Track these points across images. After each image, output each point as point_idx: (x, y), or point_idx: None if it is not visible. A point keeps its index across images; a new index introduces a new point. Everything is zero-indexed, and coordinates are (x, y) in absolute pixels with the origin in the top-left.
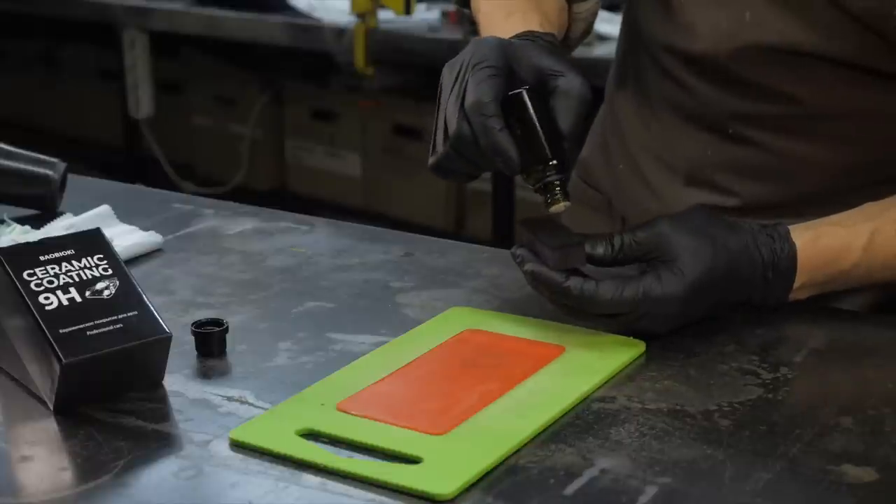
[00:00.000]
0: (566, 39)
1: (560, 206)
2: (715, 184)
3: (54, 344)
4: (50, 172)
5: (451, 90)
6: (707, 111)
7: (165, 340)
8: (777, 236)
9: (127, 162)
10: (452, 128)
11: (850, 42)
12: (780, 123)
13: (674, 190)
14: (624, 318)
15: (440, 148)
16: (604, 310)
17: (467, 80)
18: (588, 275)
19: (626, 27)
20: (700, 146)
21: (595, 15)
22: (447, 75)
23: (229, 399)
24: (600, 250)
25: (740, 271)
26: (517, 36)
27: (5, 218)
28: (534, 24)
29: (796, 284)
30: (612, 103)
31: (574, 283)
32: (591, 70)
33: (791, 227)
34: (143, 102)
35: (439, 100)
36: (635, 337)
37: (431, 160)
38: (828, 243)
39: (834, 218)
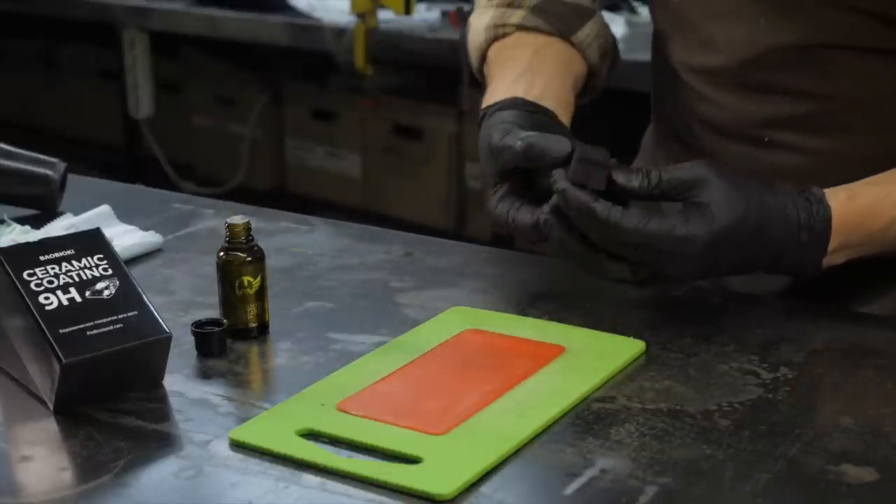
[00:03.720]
0: (590, 73)
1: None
2: None
3: (54, 344)
4: (50, 172)
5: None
6: (741, 123)
7: (165, 340)
8: (813, 199)
9: (127, 162)
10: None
11: (861, 29)
12: (813, 123)
13: None
14: (645, 252)
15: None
16: (626, 237)
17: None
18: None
19: (654, 53)
20: (741, 158)
21: (601, 36)
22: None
23: (229, 399)
24: (636, 182)
25: (772, 229)
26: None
27: (5, 218)
28: (519, 91)
29: (831, 247)
30: (656, 128)
31: (601, 205)
32: None
33: (825, 190)
34: (143, 102)
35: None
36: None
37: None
38: (862, 203)
39: (867, 179)
